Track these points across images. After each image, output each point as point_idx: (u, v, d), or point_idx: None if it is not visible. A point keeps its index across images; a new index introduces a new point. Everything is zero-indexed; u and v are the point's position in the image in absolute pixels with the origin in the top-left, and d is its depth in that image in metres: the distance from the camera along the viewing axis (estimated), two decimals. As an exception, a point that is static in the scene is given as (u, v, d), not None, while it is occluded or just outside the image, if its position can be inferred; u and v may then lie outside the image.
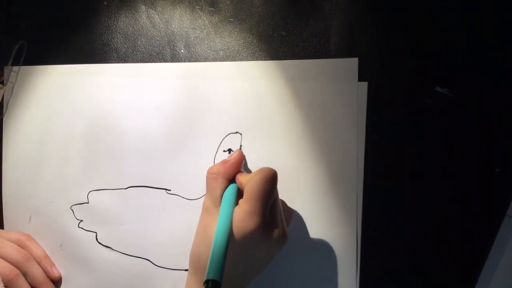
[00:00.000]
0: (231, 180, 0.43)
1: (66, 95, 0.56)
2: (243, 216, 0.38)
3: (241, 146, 0.49)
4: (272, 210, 0.40)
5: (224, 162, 0.44)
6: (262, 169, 0.41)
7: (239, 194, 0.42)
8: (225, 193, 0.42)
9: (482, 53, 0.44)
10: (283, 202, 0.47)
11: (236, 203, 0.41)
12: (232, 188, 0.42)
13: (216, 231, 0.37)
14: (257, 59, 0.50)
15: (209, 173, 0.43)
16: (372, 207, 0.46)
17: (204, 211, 0.43)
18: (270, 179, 0.40)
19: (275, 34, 0.49)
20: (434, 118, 0.45)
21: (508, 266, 0.44)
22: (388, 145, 0.46)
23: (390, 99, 0.46)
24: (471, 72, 0.44)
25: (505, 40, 0.43)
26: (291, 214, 0.47)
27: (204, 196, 0.44)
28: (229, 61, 0.51)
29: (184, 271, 0.50)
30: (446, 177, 0.44)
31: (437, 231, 0.45)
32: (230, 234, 0.37)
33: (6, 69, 0.58)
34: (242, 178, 0.42)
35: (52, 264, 0.55)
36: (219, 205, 0.41)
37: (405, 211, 0.45)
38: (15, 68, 0.59)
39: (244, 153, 0.48)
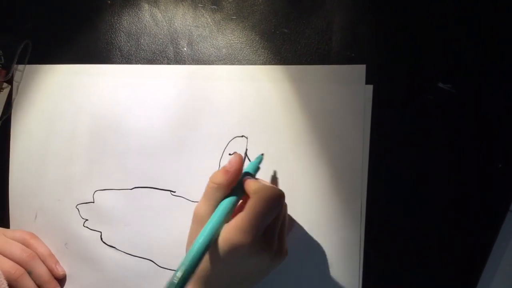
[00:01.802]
0: (233, 187, 0.42)
1: (71, 94, 0.57)
2: (234, 230, 0.37)
3: (246, 150, 0.49)
4: (268, 231, 0.39)
5: (225, 171, 0.41)
6: (267, 189, 0.39)
7: (235, 207, 0.41)
8: (221, 204, 0.40)
9: (483, 49, 0.43)
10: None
11: (230, 216, 0.39)
12: (229, 202, 0.40)
13: (194, 244, 0.36)
14: (259, 56, 0.50)
15: (211, 181, 0.41)
16: (374, 205, 0.46)
17: (196, 219, 0.41)
18: (273, 201, 0.38)
19: (277, 32, 0.49)
20: (437, 114, 0.44)
21: (511, 262, 0.43)
22: (391, 142, 0.46)
23: (393, 96, 0.46)
24: (473, 68, 0.44)
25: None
26: (292, 223, 0.47)
27: None
28: (232, 58, 0.51)
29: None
30: (449, 173, 0.44)
31: (439, 227, 0.44)
32: (215, 245, 0.37)
33: (11, 68, 0.58)
34: (250, 187, 0.41)
35: (57, 262, 0.56)
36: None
37: (408, 205, 0.45)
38: (21, 67, 0.59)
39: (250, 157, 0.48)
